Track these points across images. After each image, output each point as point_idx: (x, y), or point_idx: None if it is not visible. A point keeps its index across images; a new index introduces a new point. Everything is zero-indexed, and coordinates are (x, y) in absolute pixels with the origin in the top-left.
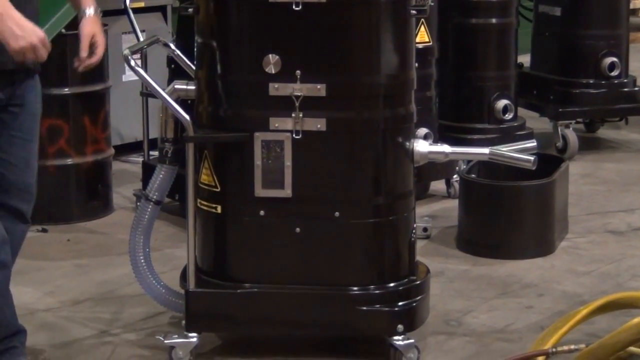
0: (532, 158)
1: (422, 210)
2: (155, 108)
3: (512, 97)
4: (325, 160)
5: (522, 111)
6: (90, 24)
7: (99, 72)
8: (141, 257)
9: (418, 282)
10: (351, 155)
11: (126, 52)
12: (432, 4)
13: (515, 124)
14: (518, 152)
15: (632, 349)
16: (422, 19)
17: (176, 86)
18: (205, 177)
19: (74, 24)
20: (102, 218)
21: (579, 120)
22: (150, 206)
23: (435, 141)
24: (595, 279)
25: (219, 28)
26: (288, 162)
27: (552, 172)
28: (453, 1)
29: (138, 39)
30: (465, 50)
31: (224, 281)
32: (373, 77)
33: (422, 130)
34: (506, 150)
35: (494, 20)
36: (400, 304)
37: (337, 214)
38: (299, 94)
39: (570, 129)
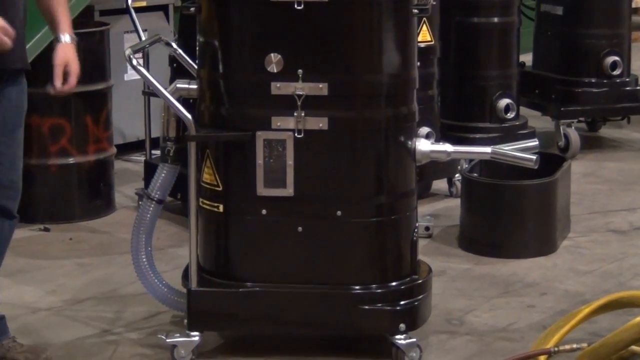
0: (534, 157)
1: (424, 209)
2: (157, 107)
3: (514, 96)
4: (327, 159)
5: (524, 110)
6: (64, 52)
7: (101, 71)
8: (143, 256)
9: (420, 281)
10: (353, 154)
11: (128, 51)
12: (434, 3)
13: (517, 123)
14: (520, 151)
15: (634, 348)
16: (424, 18)
17: (178, 85)
18: (207, 176)
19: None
20: (104, 217)
21: (581, 119)
22: (152, 205)
23: (437, 140)
24: (597, 278)
25: (221, 27)
26: (290, 161)
27: (554, 171)
28: (455, 0)
29: (140, 38)
30: (467, 49)
31: (226, 280)
32: (375, 76)
33: (424, 129)
34: (508, 149)
35: (496, 19)
36: (402, 303)
37: (339, 213)
38: (301, 93)
39: (572, 128)
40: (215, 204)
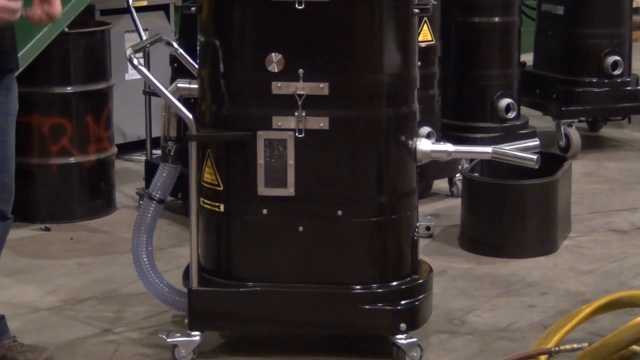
0: (534, 157)
1: (425, 209)
2: (158, 107)
3: (514, 96)
4: (328, 159)
5: (524, 110)
6: None
7: (101, 70)
8: (144, 256)
9: (421, 281)
10: (354, 154)
11: (129, 50)
12: (435, 2)
13: (518, 123)
14: (521, 151)
15: (635, 347)
16: (425, 18)
17: (179, 85)
18: (208, 176)
19: (76, 23)
20: (105, 217)
21: (581, 119)
22: (153, 205)
23: (438, 140)
24: (598, 277)
25: (222, 26)
26: (291, 161)
27: (555, 171)
28: (456, 0)
29: (141, 37)
30: (468, 49)
31: (227, 280)
32: (376, 76)
33: (425, 129)
34: (509, 148)
35: (496, 19)
36: (403, 302)
37: (339, 212)
38: (302, 92)
39: (573, 127)
40: (216, 204)
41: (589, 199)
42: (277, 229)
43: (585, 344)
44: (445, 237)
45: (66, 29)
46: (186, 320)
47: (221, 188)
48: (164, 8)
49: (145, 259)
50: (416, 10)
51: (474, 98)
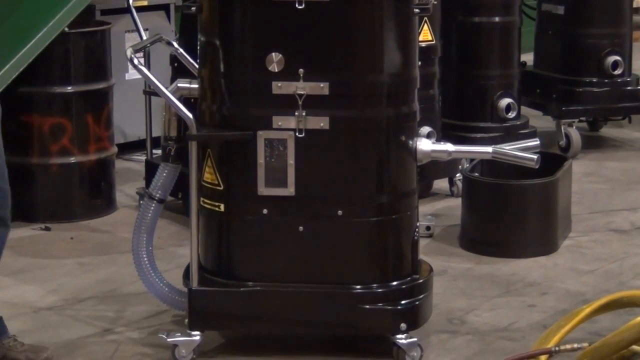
0: (535, 157)
1: (425, 209)
2: (158, 106)
3: (515, 96)
4: (328, 159)
5: (525, 110)
6: None
7: (102, 70)
8: (144, 256)
9: (421, 281)
10: (354, 154)
11: (129, 50)
12: (435, 2)
13: (518, 123)
14: (521, 151)
15: (635, 347)
16: (425, 18)
17: (179, 84)
18: (208, 176)
19: (76, 23)
20: (105, 216)
21: (582, 118)
22: (153, 204)
23: (438, 140)
24: (598, 277)
25: (222, 26)
26: (291, 161)
27: (555, 171)
28: (456, 0)
29: (141, 37)
30: (468, 49)
31: (227, 279)
32: (376, 76)
33: (425, 129)
34: (509, 148)
35: (497, 19)
36: (403, 302)
37: (340, 212)
38: (302, 92)
39: (574, 127)
40: (216, 204)
41: (589, 198)
42: (278, 229)
43: (586, 344)
44: (445, 237)
45: (66, 29)
46: (186, 320)
47: (221, 188)
48: (165, 8)
49: (145, 259)
50: (416, 10)
51: (474, 98)
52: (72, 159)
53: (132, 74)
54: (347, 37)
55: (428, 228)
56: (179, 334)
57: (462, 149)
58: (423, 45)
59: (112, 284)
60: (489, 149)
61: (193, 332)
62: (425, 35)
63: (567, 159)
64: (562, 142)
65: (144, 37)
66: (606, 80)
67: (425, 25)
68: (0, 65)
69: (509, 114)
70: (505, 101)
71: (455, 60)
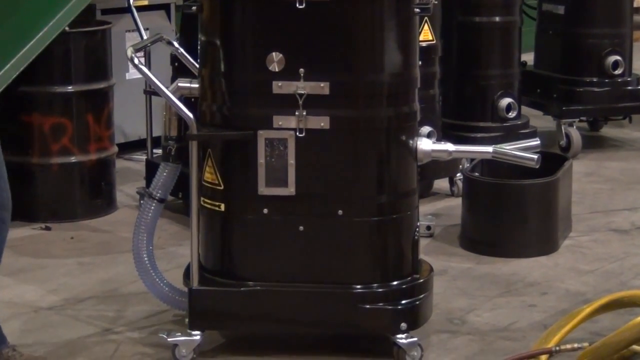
0: (535, 156)
1: (426, 209)
2: (158, 106)
3: (515, 96)
4: (328, 159)
5: (525, 109)
6: None
7: (102, 70)
8: (144, 255)
9: (421, 281)
10: (354, 154)
11: (130, 50)
12: (436, 2)
13: (519, 122)
14: (521, 151)
15: (636, 347)
16: (426, 17)
17: (180, 84)
18: (208, 175)
19: (77, 22)
20: (106, 216)
21: (582, 118)
22: (153, 204)
23: (439, 139)
24: (598, 277)
25: (223, 26)
26: (292, 161)
27: (556, 171)
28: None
29: (142, 37)
30: (468, 49)
31: (227, 279)
32: (376, 76)
33: (426, 129)
34: (509, 148)
35: (497, 19)
36: (403, 302)
37: (340, 212)
38: (303, 92)
39: (574, 127)
40: (217, 203)
41: (589, 198)
42: (278, 229)
43: (586, 344)
44: (445, 236)
45: (67, 29)
46: (187, 320)
47: (222, 187)
48: (165, 7)
49: (145, 259)
50: (417, 10)
51: (475, 98)
52: (73, 159)
53: (132, 74)
54: (347, 37)
55: (428, 228)
56: (179, 334)
57: (463, 148)
58: (423, 45)
59: (113, 283)
60: (489, 148)
61: (193, 332)
62: (426, 35)
63: (568, 159)
64: (563, 142)
65: (145, 37)
66: (606, 80)
67: (426, 25)
68: (1, 65)
69: (510, 113)
70: (505, 101)
71: (455, 60)
